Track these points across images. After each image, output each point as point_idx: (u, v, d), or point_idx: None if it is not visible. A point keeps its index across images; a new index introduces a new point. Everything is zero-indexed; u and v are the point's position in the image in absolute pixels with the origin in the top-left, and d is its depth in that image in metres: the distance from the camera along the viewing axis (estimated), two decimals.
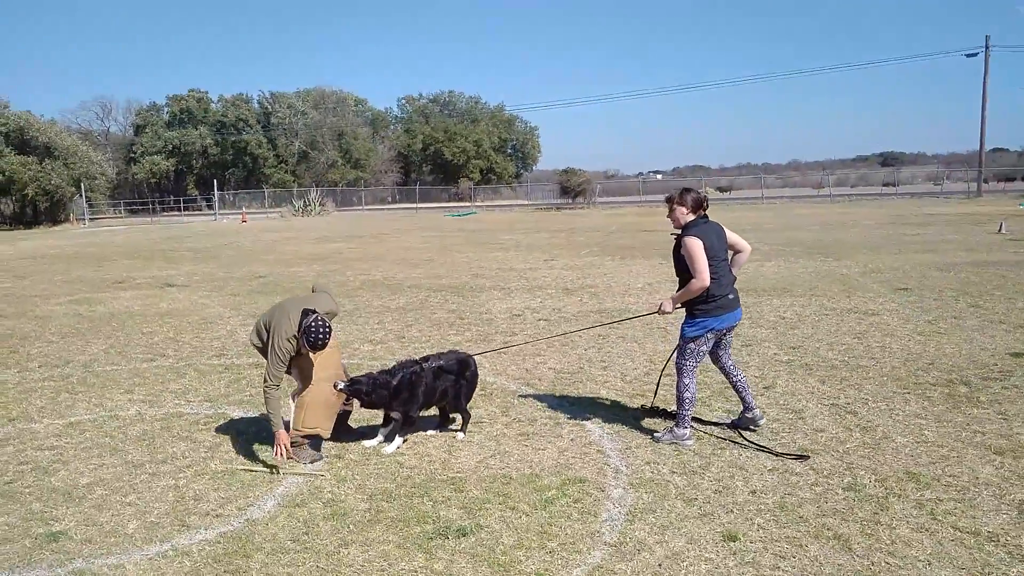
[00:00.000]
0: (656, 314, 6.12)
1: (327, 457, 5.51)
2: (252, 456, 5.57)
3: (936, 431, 5.72)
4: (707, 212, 5.64)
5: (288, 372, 5.28)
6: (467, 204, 61.43)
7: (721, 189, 70.75)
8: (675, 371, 5.74)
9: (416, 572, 3.88)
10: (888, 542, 4.07)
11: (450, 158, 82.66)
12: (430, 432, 6.00)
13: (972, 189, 49.06)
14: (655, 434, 5.73)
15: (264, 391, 5.18)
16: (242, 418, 6.49)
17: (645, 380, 7.33)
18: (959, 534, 4.14)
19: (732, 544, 4.10)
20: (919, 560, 3.88)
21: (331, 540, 4.24)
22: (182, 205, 68.65)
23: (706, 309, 5.50)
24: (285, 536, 4.30)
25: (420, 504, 4.67)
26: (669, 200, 5.69)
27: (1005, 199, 42.53)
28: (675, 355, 5.89)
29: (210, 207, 63.59)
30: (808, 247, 19.19)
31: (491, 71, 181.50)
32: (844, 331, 9.15)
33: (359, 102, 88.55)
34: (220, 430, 6.17)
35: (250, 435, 6.03)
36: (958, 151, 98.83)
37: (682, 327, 5.67)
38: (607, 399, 6.78)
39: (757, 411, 5.86)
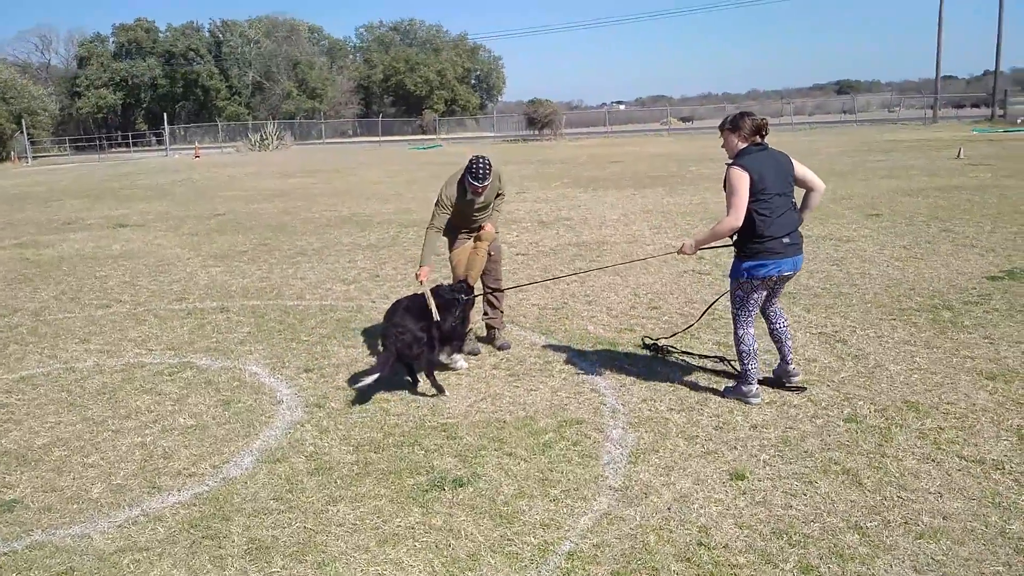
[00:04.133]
0: (677, 254, 5.64)
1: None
2: (227, 407, 5.25)
3: (927, 357, 5.63)
4: (764, 139, 4.86)
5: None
6: (432, 137, 60.16)
7: (684, 119, 70.10)
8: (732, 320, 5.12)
9: (413, 528, 3.63)
10: (897, 475, 3.95)
11: (412, 89, 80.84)
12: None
13: (928, 116, 49.32)
14: (723, 387, 5.21)
15: (425, 233, 5.91)
16: (210, 367, 6.14)
17: (631, 314, 7.11)
18: (965, 463, 4.05)
19: (740, 483, 3.93)
20: (929, 492, 3.77)
21: (317, 497, 3.96)
22: (131, 141, 66.21)
23: (753, 250, 4.75)
24: (267, 495, 4.00)
25: (411, 454, 4.41)
26: (721, 128, 4.95)
27: (959, 125, 42.93)
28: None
29: (160, 143, 61.61)
30: None
31: None
32: (822, 258, 9.02)
33: (314, 30, 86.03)
34: (187, 381, 5.82)
35: (220, 384, 5.69)
36: (911, 79, 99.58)
37: (730, 269, 5.04)
38: (595, 335, 6.55)
39: (794, 366, 5.20)
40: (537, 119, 50.43)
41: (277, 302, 8.19)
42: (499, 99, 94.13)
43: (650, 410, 4.91)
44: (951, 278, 7.86)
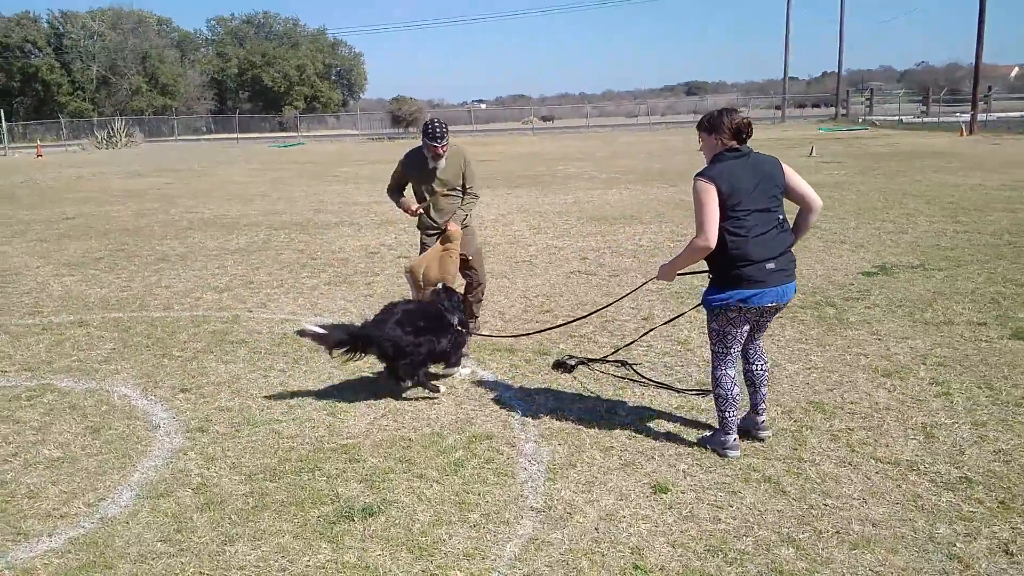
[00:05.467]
0: (654, 281, 4.83)
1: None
2: (95, 436, 4.66)
3: (821, 356, 5.73)
4: (745, 141, 4.09)
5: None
6: (293, 134, 58.16)
7: (544, 118, 71.11)
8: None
9: (324, 568, 3.27)
10: (818, 480, 3.92)
11: (270, 85, 77.90)
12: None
13: (776, 116, 52.38)
14: (700, 436, 4.46)
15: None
16: (73, 389, 5.48)
17: (524, 318, 6.95)
18: (881, 466, 4.06)
19: (664, 496, 3.80)
20: (854, 498, 3.74)
21: (211, 536, 3.52)
22: None
23: (728, 277, 4.02)
24: (152, 536, 3.53)
25: (312, 481, 4.02)
26: (699, 127, 4.18)
27: (806, 124, 45.69)
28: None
29: None
30: (642, 174, 19.47)
31: None
32: None
33: (163, 22, 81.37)
34: (48, 406, 5.16)
35: (86, 409, 5.07)
36: (754, 80, 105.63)
37: (702, 296, 4.27)
38: (490, 341, 6.32)
39: (764, 417, 4.43)
40: (402, 117, 49.95)
41: (142, 314, 7.49)
42: (361, 96, 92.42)
43: (560, 421, 4.72)
44: (828, 274, 8.14)
